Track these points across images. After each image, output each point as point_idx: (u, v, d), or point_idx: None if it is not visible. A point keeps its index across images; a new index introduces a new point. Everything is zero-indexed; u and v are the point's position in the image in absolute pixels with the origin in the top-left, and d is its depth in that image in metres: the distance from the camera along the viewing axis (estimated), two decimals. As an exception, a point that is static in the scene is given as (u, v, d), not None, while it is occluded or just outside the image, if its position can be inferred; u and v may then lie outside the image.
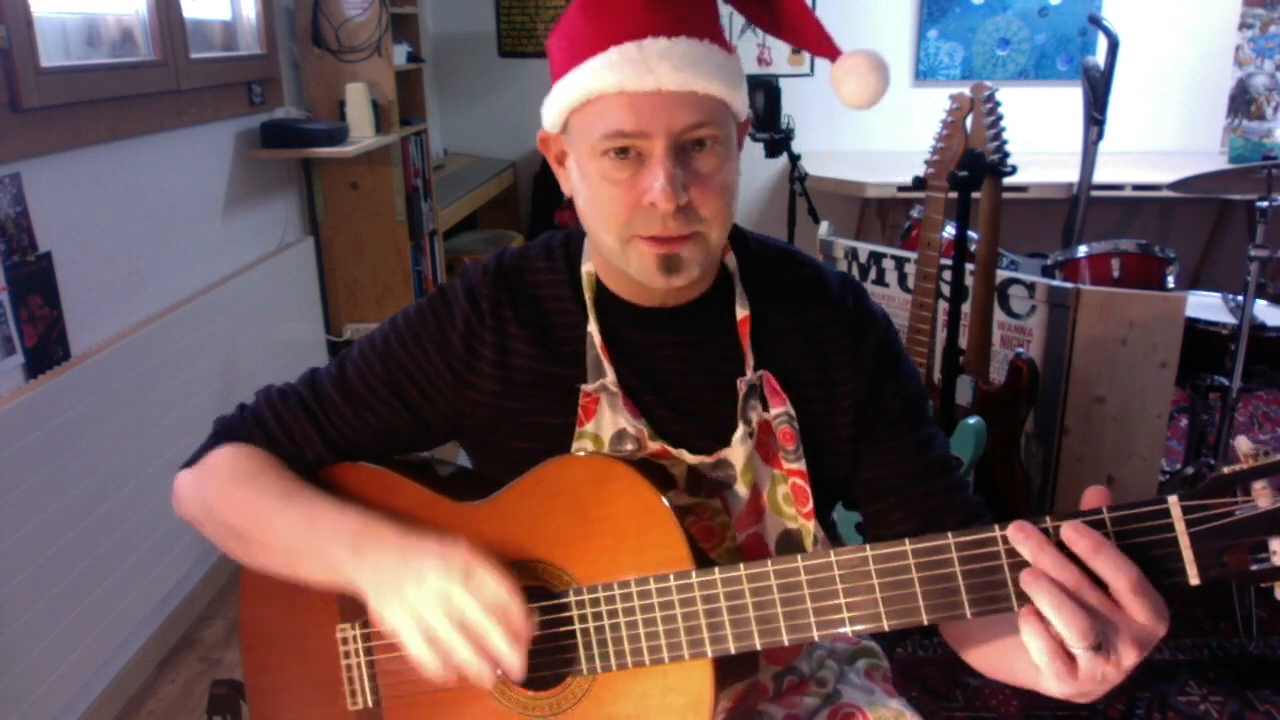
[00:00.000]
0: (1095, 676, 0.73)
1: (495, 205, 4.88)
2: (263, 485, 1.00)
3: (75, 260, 2.12)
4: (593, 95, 0.89)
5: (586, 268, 1.02)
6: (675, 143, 0.88)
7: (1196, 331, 2.52)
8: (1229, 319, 2.56)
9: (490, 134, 4.96)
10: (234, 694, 1.20)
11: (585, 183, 0.93)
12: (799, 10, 0.95)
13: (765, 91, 3.61)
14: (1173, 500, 0.71)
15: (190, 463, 1.07)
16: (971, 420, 2.14)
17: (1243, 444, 0.70)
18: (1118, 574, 0.71)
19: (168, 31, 2.52)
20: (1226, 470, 0.71)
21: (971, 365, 2.30)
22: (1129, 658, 0.73)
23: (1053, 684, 0.75)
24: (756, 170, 4.72)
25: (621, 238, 0.92)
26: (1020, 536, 0.74)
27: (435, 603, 0.87)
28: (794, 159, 3.29)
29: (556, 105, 0.93)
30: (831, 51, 0.95)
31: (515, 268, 1.04)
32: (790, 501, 1.00)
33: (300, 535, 0.97)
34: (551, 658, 0.94)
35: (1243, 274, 2.31)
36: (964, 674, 2.23)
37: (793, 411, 0.99)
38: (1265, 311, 2.63)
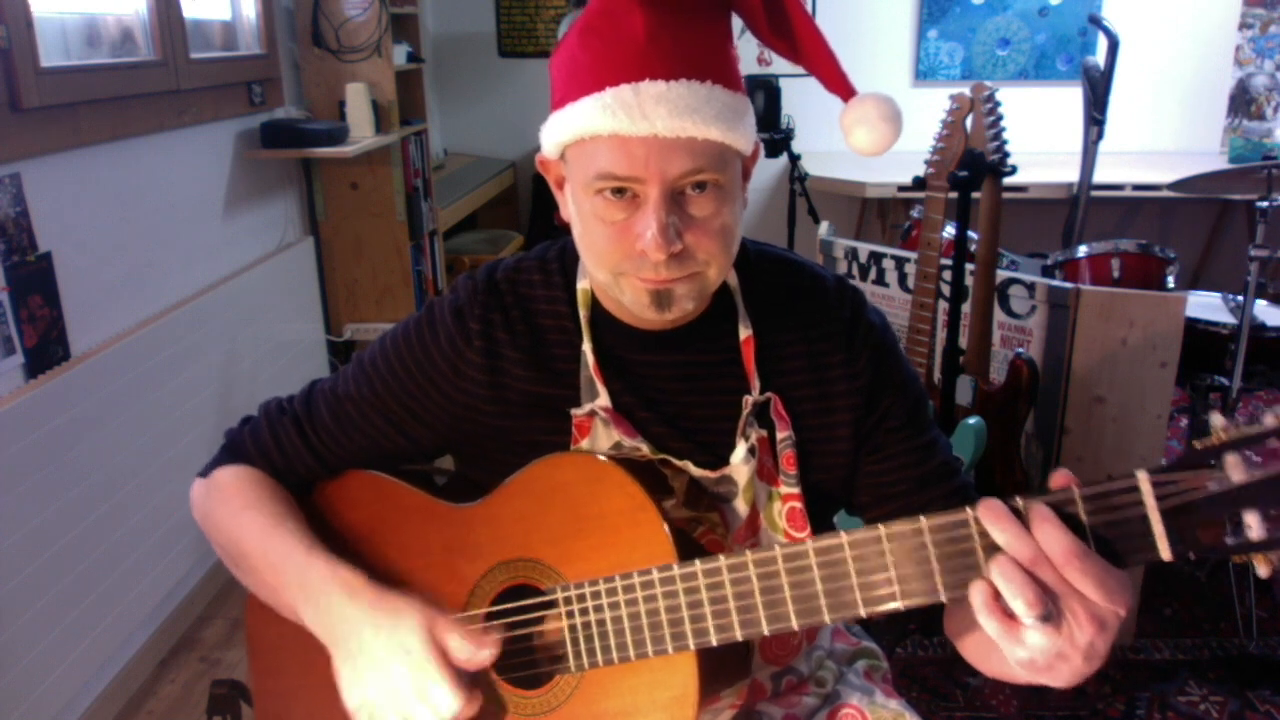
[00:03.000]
0: (1051, 650, 0.73)
1: (495, 205, 4.88)
2: (249, 518, 1.03)
3: (75, 260, 2.12)
4: (586, 135, 0.87)
5: (582, 285, 1.00)
6: (670, 189, 0.86)
7: (1196, 331, 2.52)
8: (1229, 319, 2.56)
9: (490, 134, 4.96)
10: (234, 694, 1.20)
11: (579, 217, 0.92)
12: (818, 47, 0.92)
13: (765, 91, 3.62)
14: (1141, 475, 0.70)
15: (204, 473, 1.11)
16: (971, 420, 2.14)
17: (1215, 419, 0.69)
18: (1053, 545, 0.71)
19: (168, 31, 2.52)
20: (1198, 444, 0.69)
21: (971, 365, 2.30)
22: (1084, 633, 0.72)
23: (1008, 651, 0.74)
24: (757, 170, 4.70)
25: (614, 273, 0.91)
26: (985, 512, 0.74)
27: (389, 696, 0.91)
28: (794, 159, 3.29)
29: (553, 137, 0.91)
30: (846, 92, 0.92)
31: (509, 281, 1.03)
32: (783, 517, 1.00)
33: (272, 571, 1.01)
34: (540, 656, 0.94)
35: (1243, 274, 2.32)
36: (964, 674, 2.23)
37: (795, 436, 0.98)
38: (1265, 311, 2.63)
